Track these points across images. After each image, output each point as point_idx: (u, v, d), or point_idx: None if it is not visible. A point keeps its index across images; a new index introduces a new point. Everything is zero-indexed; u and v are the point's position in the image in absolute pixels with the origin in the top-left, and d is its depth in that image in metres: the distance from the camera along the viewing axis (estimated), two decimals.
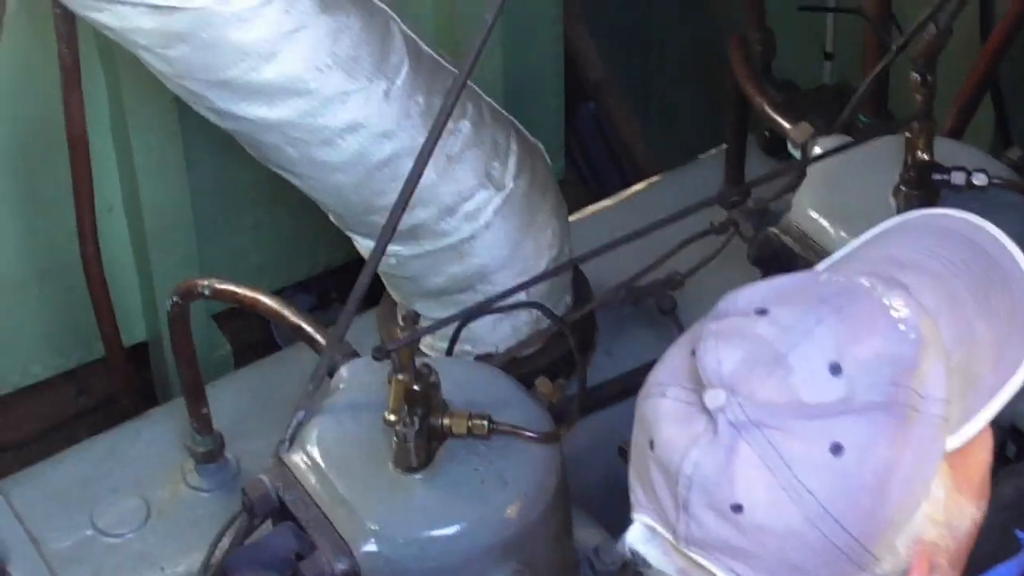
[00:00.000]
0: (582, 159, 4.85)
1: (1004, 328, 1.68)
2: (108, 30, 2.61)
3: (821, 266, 1.82)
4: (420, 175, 2.35)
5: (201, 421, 3.04)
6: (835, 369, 1.54)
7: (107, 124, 3.68)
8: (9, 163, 3.68)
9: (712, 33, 3.79)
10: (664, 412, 1.61)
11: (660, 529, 1.63)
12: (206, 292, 2.83)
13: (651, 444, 1.61)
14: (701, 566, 1.62)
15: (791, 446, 1.52)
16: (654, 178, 3.80)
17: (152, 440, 3.22)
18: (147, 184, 3.76)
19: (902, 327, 1.60)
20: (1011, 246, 1.73)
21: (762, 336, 1.56)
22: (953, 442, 1.60)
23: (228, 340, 4.14)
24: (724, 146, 3.55)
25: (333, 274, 4.23)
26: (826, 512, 1.52)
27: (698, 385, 1.57)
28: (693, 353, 1.59)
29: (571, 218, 3.20)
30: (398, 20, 2.80)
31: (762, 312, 1.58)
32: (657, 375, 1.66)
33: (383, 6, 2.79)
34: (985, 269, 1.73)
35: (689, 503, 1.56)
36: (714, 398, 1.55)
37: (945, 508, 1.63)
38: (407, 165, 2.40)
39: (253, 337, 4.13)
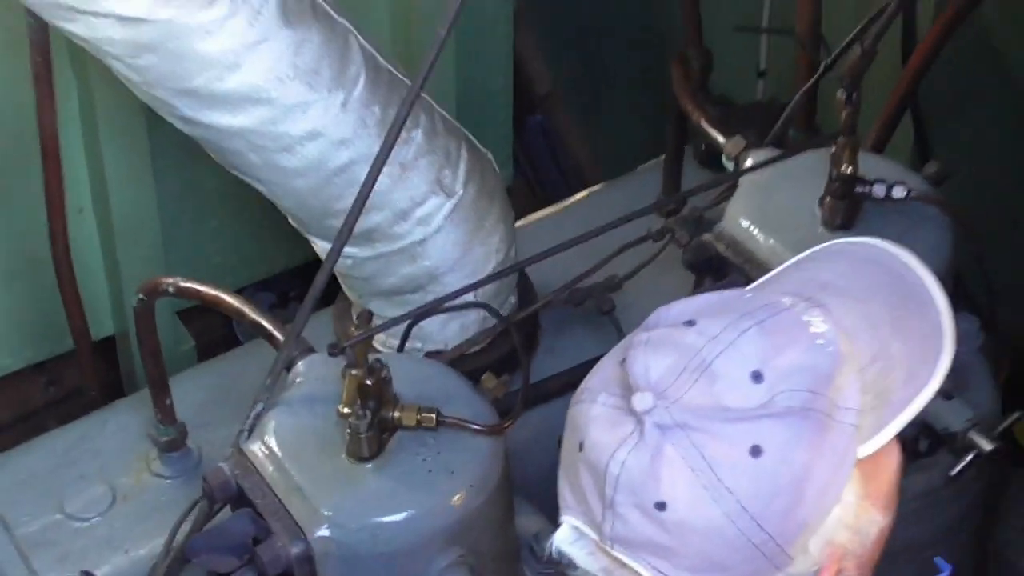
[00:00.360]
0: (529, 168, 4.88)
1: (917, 349, 1.71)
2: (79, 40, 2.63)
3: (749, 288, 1.84)
4: (374, 181, 2.38)
5: (165, 412, 3.07)
6: (757, 376, 1.57)
7: (78, 130, 3.71)
8: None
9: (655, 51, 3.81)
10: (594, 416, 1.63)
11: (587, 530, 1.64)
12: (171, 290, 2.87)
13: (580, 446, 1.63)
14: (626, 565, 1.64)
15: (713, 447, 1.55)
16: (596, 187, 3.85)
17: (118, 430, 3.24)
18: (116, 187, 3.79)
19: (820, 341, 1.64)
20: (925, 274, 1.77)
21: (689, 345, 1.59)
22: (864, 450, 1.63)
23: (192, 335, 4.17)
24: (662, 158, 3.58)
25: (291, 274, 4.26)
26: (744, 510, 1.55)
27: (627, 391, 1.60)
28: (623, 363, 1.62)
29: (518, 224, 3.24)
30: (357, 34, 2.83)
31: (690, 324, 1.61)
32: (588, 383, 1.70)
33: (343, 21, 2.82)
34: (902, 295, 1.77)
35: (615, 502, 1.58)
36: (642, 401, 1.57)
37: (856, 514, 1.65)
38: (363, 171, 2.42)
39: (215, 333, 4.16)
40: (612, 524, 1.60)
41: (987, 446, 2.58)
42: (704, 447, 1.56)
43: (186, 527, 2.63)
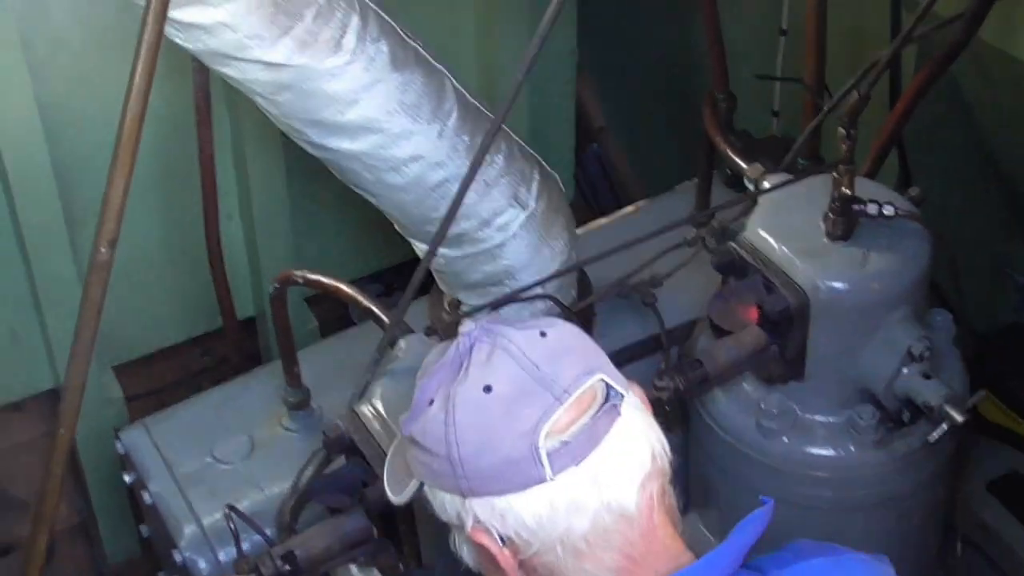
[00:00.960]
0: (587, 187, 4.89)
1: None
2: (232, 80, 2.63)
3: None
4: (463, 195, 2.41)
5: (293, 378, 3.08)
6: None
7: (229, 151, 3.75)
8: (156, 178, 3.74)
9: (690, 93, 3.78)
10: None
11: None
12: (299, 280, 2.88)
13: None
14: None
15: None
16: (641, 202, 3.81)
17: (257, 392, 3.25)
18: (258, 198, 3.83)
19: None
20: None
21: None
22: None
23: (316, 317, 4.19)
24: (695, 179, 3.56)
25: (396, 269, 4.25)
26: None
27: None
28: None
29: (578, 231, 3.20)
30: (451, 77, 2.82)
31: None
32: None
33: (440, 67, 2.82)
34: None
35: None
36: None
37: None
38: (455, 188, 2.44)
39: (334, 315, 4.16)
40: None
41: (959, 417, 2.54)
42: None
43: (309, 472, 2.63)
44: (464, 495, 1.63)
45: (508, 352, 1.62)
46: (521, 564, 1.65)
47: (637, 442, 1.65)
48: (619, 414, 1.64)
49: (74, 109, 3.38)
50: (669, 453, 1.72)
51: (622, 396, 1.65)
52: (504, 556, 1.64)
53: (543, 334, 1.66)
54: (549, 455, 1.57)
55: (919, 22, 2.85)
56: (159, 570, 3.19)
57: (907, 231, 2.69)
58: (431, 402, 1.66)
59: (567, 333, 1.72)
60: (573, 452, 1.58)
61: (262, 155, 3.77)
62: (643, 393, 1.75)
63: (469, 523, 1.64)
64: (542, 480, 1.57)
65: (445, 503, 1.68)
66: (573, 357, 1.65)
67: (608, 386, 1.64)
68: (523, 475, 1.58)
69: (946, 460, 2.88)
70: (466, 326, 1.71)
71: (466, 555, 1.74)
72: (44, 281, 3.60)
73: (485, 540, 1.64)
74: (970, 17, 2.88)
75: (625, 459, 1.63)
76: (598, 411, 1.62)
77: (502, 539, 1.63)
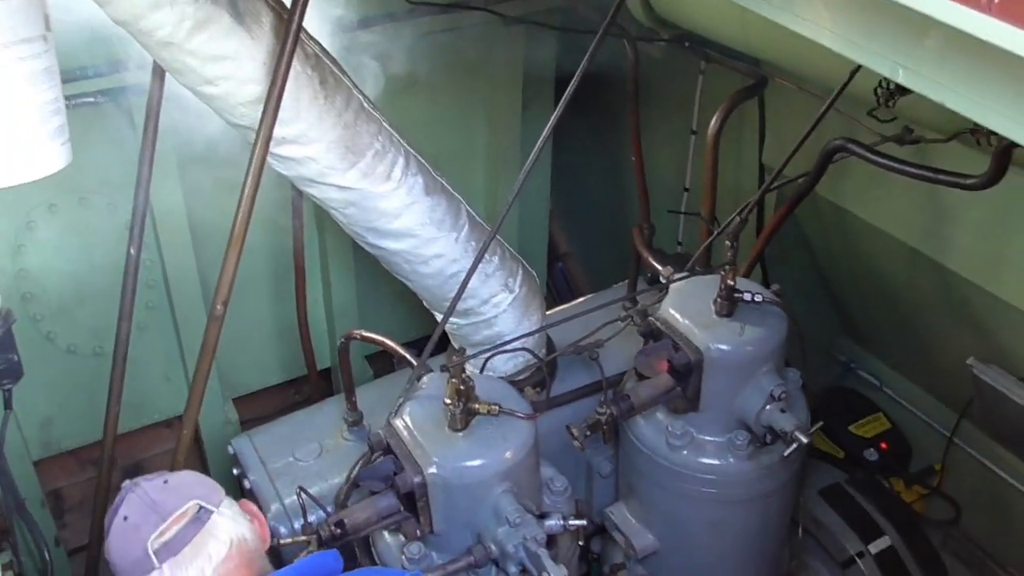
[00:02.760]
0: (555, 293, 4.78)
1: None
2: (315, 198, 2.53)
3: None
4: (469, 281, 2.30)
5: (352, 405, 2.94)
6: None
7: (317, 252, 3.61)
8: (267, 273, 3.61)
9: (623, 227, 3.68)
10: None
11: None
12: (358, 337, 2.76)
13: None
14: None
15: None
16: (590, 295, 3.66)
17: (327, 414, 3.08)
18: (335, 284, 3.70)
19: None
20: None
21: None
22: None
23: (372, 370, 4.03)
24: (626, 280, 3.47)
25: (427, 338, 4.11)
26: None
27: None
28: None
29: (548, 312, 3.07)
30: (465, 203, 2.74)
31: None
32: None
33: (457, 196, 2.72)
34: None
35: None
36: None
37: None
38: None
39: (385, 370, 3.99)
40: None
41: (804, 439, 2.44)
42: None
43: (358, 467, 2.51)
44: None
45: (138, 495, 1.72)
46: None
47: (216, 540, 1.71)
48: (202, 523, 1.71)
49: (210, 218, 3.23)
50: (253, 541, 1.79)
51: (210, 512, 1.73)
52: None
53: (165, 481, 1.75)
54: (156, 552, 1.66)
55: (775, 179, 2.85)
56: None
57: (771, 312, 2.60)
58: (106, 531, 1.76)
59: (184, 478, 1.79)
60: (171, 548, 1.67)
61: (338, 256, 3.63)
62: (252, 508, 1.86)
63: None
64: (154, 568, 1.67)
65: None
66: (179, 492, 1.73)
67: (201, 507, 1.72)
68: (143, 568, 1.67)
69: (794, 471, 2.78)
70: (125, 483, 1.77)
71: None
72: (186, 340, 3.44)
73: None
74: (812, 176, 2.81)
75: (205, 550, 1.70)
76: (188, 522, 1.70)
77: None
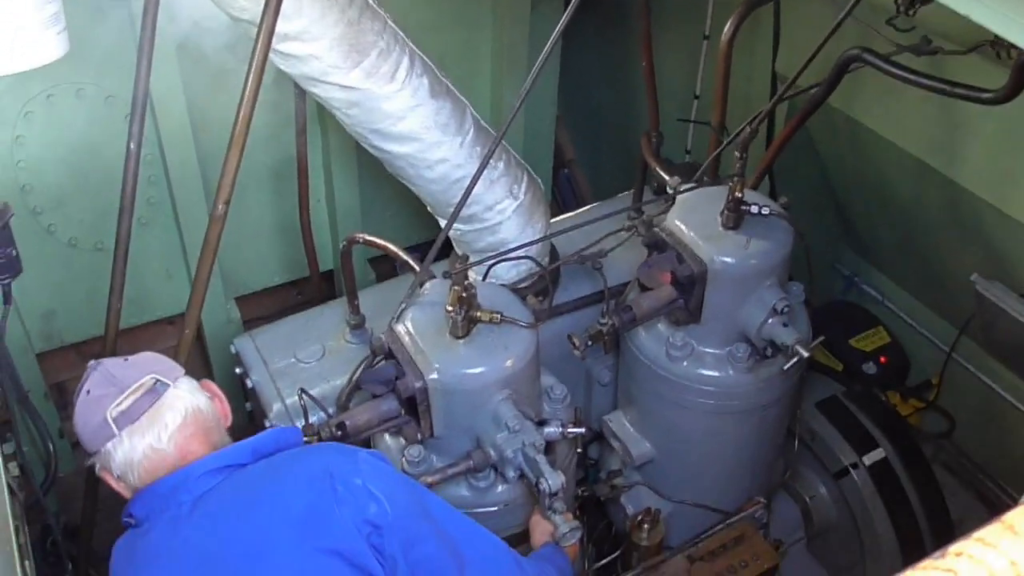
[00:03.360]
0: (559, 200, 4.73)
1: None
2: (318, 98, 2.48)
3: None
4: (474, 187, 2.26)
5: (354, 308, 2.93)
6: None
7: (319, 153, 3.54)
8: (270, 173, 3.55)
9: (630, 135, 3.64)
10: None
11: None
12: (360, 240, 2.72)
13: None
14: None
15: None
16: (594, 204, 3.61)
17: (330, 317, 3.08)
18: (338, 187, 3.65)
19: None
20: None
21: None
22: None
23: (375, 273, 4.02)
24: (631, 190, 3.40)
25: (429, 244, 4.08)
26: None
27: None
28: None
29: (552, 220, 3.05)
30: (470, 106, 2.69)
31: None
32: None
33: (463, 99, 2.66)
34: None
35: None
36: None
37: None
38: (468, 182, 2.29)
39: (388, 274, 3.98)
40: None
41: (805, 353, 2.45)
42: None
43: (360, 370, 2.52)
44: (89, 455, 1.84)
45: (100, 371, 1.84)
46: (132, 488, 1.84)
47: (172, 410, 1.81)
48: (158, 395, 1.81)
49: (211, 114, 3.17)
50: (210, 413, 1.89)
51: (167, 385, 1.83)
52: (119, 485, 1.86)
53: (125, 359, 1.87)
54: (115, 420, 1.78)
55: (788, 88, 2.77)
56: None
57: (777, 226, 2.57)
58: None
59: (144, 357, 1.90)
60: (129, 416, 1.78)
61: (342, 158, 3.56)
62: (214, 387, 1.97)
63: (97, 470, 1.84)
64: (113, 435, 1.78)
65: (95, 464, 1.85)
66: (137, 368, 1.84)
67: (157, 380, 1.82)
68: (105, 434, 1.79)
69: (792, 384, 2.78)
70: (90, 362, 1.89)
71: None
72: (188, 237, 3.41)
73: (107, 478, 1.85)
74: (825, 87, 2.74)
75: (162, 418, 1.80)
76: (145, 393, 1.81)
77: (114, 473, 1.83)
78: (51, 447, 2.88)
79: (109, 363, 1.86)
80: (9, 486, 2.05)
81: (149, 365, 1.86)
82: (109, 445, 1.79)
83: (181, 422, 1.81)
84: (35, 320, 3.39)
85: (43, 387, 3.48)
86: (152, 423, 1.79)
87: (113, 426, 1.77)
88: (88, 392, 1.82)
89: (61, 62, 2.00)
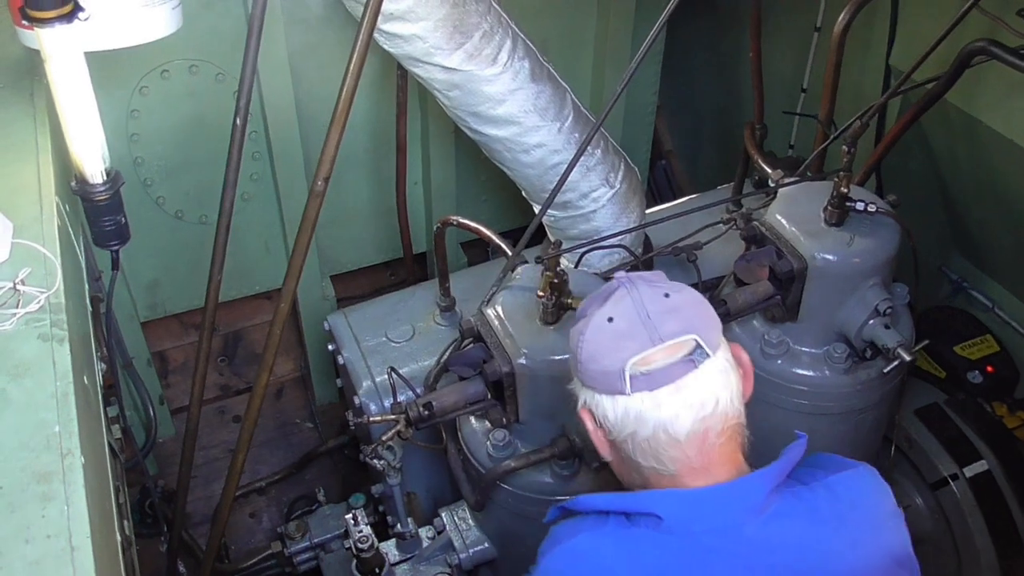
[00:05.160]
0: (656, 191, 4.68)
1: None
2: (420, 79, 2.50)
3: None
4: (570, 173, 2.25)
5: (445, 290, 2.96)
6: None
7: (418, 134, 3.57)
8: (368, 153, 3.59)
9: (730, 129, 3.56)
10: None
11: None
12: (454, 223, 2.72)
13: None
14: None
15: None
16: (692, 195, 3.57)
17: (421, 298, 3.11)
18: (435, 169, 3.67)
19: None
20: None
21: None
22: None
23: (467, 257, 4.04)
24: (730, 183, 3.36)
25: (523, 230, 4.09)
26: None
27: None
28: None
29: (648, 211, 3.03)
30: (571, 92, 2.67)
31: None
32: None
33: (564, 84, 2.65)
34: None
35: None
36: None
37: None
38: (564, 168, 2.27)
39: (480, 258, 4.01)
40: None
41: (907, 357, 2.37)
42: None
43: (449, 351, 2.51)
44: (581, 384, 1.56)
45: (633, 299, 1.51)
46: (609, 442, 1.56)
47: (703, 392, 1.48)
48: (695, 367, 1.47)
49: (315, 93, 3.23)
50: (739, 406, 1.54)
51: (707, 355, 1.48)
52: (597, 433, 1.57)
53: (667, 295, 1.52)
54: (632, 378, 1.47)
55: (904, 81, 2.70)
56: (346, 410, 3.07)
57: (884, 224, 2.47)
58: (582, 316, 1.59)
59: (687, 299, 1.54)
60: (649, 382, 1.47)
61: (440, 140, 3.58)
62: (745, 359, 1.59)
63: (580, 403, 1.57)
64: (622, 392, 1.48)
65: (573, 385, 1.61)
66: (680, 317, 1.49)
67: (697, 344, 1.48)
68: (612, 385, 1.49)
69: (891, 389, 2.68)
70: (619, 273, 1.61)
71: (579, 425, 1.62)
72: (288, 214, 3.48)
73: (586, 418, 1.57)
74: (944, 81, 2.63)
75: (689, 400, 1.47)
76: (679, 360, 1.47)
77: (596, 421, 1.55)
78: (152, 412, 2.99)
79: (648, 292, 1.52)
80: (111, 447, 2.14)
81: (692, 318, 1.50)
82: (606, 396, 1.50)
83: (706, 414, 1.47)
84: (141, 290, 3.51)
85: (147, 354, 3.61)
86: (672, 399, 1.46)
87: (628, 384, 1.46)
88: (611, 319, 1.51)
89: (176, 39, 2.07)
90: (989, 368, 3.38)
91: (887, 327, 2.40)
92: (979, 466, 2.95)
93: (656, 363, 1.46)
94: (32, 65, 2.33)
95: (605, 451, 1.58)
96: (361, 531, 2.45)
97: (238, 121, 2.29)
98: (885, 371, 2.42)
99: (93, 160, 2.02)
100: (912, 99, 2.92)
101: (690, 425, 1.47)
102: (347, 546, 2.55)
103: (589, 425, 1.56)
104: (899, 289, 2.60)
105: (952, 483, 2.95)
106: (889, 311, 2.41)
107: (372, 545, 2.45)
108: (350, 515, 2.49)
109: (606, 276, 2.76)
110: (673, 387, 1.46)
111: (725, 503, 1.49)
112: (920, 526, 3.11)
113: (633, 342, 1.47)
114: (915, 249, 2.57)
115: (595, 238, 2.69)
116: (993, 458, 2.96)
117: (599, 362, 1.49)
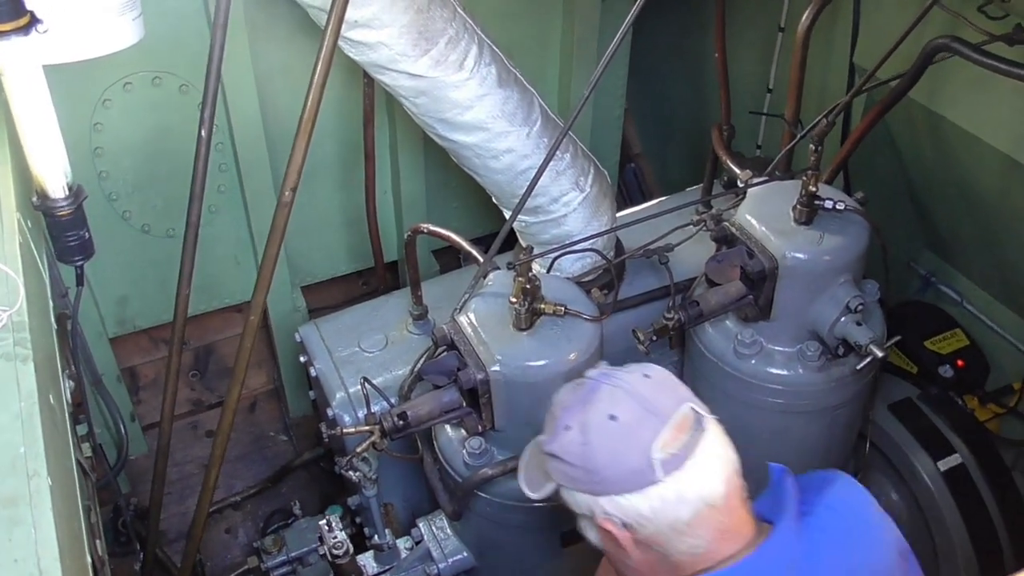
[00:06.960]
0: (625, 194, 4.67)
1: None
2: (386, 86, 2.48)
3: None
4: (539, 178, 2.25)
5: (418, 298, 2.94)
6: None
7: (386, 142, 3.54)
8: (337, 162, 3.56)
9: (699, 130, 3.58)
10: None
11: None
12: (425, 231, 2.71)
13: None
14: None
15: None
16: (662, 197, 3.58)
17: (393, 307, 3.10)
18: (405, 177, 3.63)
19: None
20: None
21: None
22: None
23: (438, 264, 4.02)
24: (700, 185, 3.36)
25: (493, 236, 4.07)
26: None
27: None
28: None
29: (618, 214, 3.02)
30: (538, 97, 2.66)
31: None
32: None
33: (531, 89, 2.64)
34: None
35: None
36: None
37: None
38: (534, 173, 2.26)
39: (452, 265, 3.99)
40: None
41: (880, 353, 2.38)
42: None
43: (422, 360, 2.50)
44: (596, 495, 1.52)
45: (623, 390, 1.51)
46: (636, 541, 1.53)
47: (720, 452, 1.51)
48: (704, 432, 1.50)
49: (280, 103, 3.20)
50: (736, 455, 1.56)
51: (705, 418, 1.53)
52: (624, 536, 1.53)
53: (646, 375, 1.55)
54: (662, 463, 1.46)
55: (868, 79, 2.72)
56: (320, 422, 3.05)
57: (853, 221, 2.50)
58: (568, 428, 1.55)
59: (662, 373, 1.59)
60: (677, 460, 1.46)
61: (408, 148, 3.55)
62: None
63: (599, 514, 1.53)
64: (656, 482, 1.46)
65: (578, 499, 1.56)
66: (668, 391, 1.54)
67: (695, 410, 1.52)
68: (640, 479, 1.47)
69: (864, 385, 2.71)
70: (590, 372, 1.60)
71: (592, 536, 1.61)
72: (256, 226, 3.44)
73: (610, 526, 1.53)
74: (908, 78, 2.65)
75: (715, 462, 1.50)
76: (690, 431, 1.49)
77: (624, 524, 1.51)
78: (123, 430, 2.94)
79: (631, 379, 1.53)
80: (81, 466, 2.10)
81: (677, 388, 1.55)
82: (634, 495, 1.47)
83: (731, 472, 1.50)
84: (109, 305, 3.46)
85: (116, 371, 3.56)
86: (702, 469, 1.47)
87: (660, 471, 1.45)
88: (614, 417, 1.49)
89: (139, 51, 2.03)
90: (960, 362, 3.41)
91: (859, 324, 2.42)
92: (953, 459, 2.97)
93: (675, 442, 1.47)
94: None
95: (630, 554, 1.54)
96: (336, 536, 2.44)
97: (203, 132, 2.26)
98: (858, 368, 2.44)
99: (54, 175, 1.99)
100: (877, 97, 2.94)
101: (724, 488, 1.49)
102: (322, 553, 2.53)
103: (614, 531, 1.52)
104: (869, 286, 2.62)
105: (926, 477, 2.97)
106: (860, 308, 2.42)
107: (347, 551, 2.43)
108: (323, 521, 2.47)
109: (578, 280, 2.76)
110: (696, 459, 1.47)
111: (771, 568, 1.50)
112: (896, 521, 3.12)
113: (645, 430, 1.47)
114: (884, 246, 2.59)
115: (567, 242, 2.68)
116: (967, 451, 2.99)
117: (621, 462, 1.47)
